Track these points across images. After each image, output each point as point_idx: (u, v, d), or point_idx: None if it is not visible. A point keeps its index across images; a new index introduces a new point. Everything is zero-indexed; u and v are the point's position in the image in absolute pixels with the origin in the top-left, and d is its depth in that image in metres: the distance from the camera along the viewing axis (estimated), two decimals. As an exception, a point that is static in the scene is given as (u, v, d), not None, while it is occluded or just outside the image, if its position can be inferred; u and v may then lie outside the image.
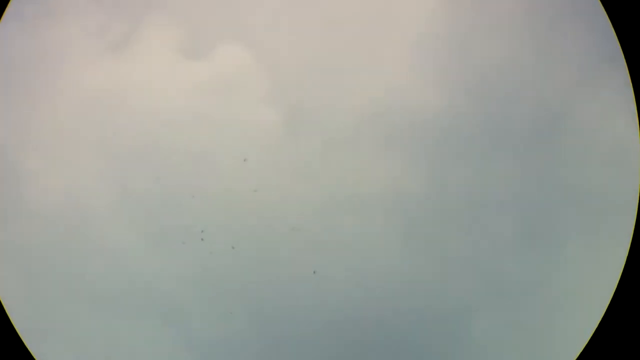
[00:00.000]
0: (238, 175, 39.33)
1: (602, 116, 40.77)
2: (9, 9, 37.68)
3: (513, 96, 40.60)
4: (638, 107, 25.65)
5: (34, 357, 29.15)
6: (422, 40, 40.78)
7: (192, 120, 39.80)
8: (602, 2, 24.85)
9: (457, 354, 37.82)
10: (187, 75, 40.25)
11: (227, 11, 40.48)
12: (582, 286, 37.50)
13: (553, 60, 40.57)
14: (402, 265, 39.14)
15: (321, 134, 40.27)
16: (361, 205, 39.68)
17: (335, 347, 37.96)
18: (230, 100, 40.25)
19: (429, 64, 40.60)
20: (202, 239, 37.09)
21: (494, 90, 40.68)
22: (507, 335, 37.53)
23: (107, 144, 39.51)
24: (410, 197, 39.76)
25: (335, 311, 38.16)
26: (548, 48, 40.86)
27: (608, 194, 38.95)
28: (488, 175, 40.22)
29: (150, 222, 38.21)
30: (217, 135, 39.69)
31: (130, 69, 40.00)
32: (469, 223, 39.65)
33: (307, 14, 40.63)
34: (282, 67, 40.37)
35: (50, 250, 37.94)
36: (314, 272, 37.80)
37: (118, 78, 40.16)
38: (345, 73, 40.56)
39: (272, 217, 38.62)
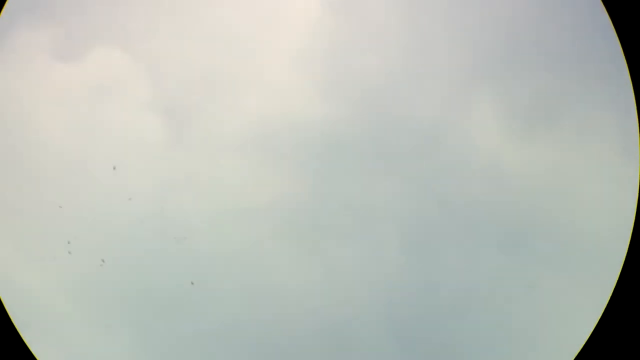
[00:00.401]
0: (114, 184, 37.57)
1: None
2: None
3: (401, 106, 40.60)
4: (638, 107, 25.83)
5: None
6: (307, 51, 40.36)
7: (65, 126, 37.87)
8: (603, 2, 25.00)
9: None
10: (61, 79, 38.32)
11: (105, 13, 38.91)
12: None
13: (442, 68, 40.83)
14: (290, 278, 38.28)
15: (205, 143, 39.05)
16: (246, 216, 38.63)
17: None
18: (108, 106, 38.53)
19: (314, 74, 40.19)
20: (69, 252, 35.22)
21: (381, 101, 40.57)
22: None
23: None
24: (298, 209, 39.04)
25: (221, 325, 36.83)
26: (429, 56, 41.14)
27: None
28: (375, 188, 39.98)
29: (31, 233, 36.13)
30: (92, 143, 37.86)
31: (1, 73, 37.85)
32: (357, 235, 39.18)
33: (190, 21, 39.57)
34: (163, 73, 39.02)
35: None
36: (192, 283, 36.46)
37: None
38: (230, 82, 39.67)
39: (150, 227, 37.06)
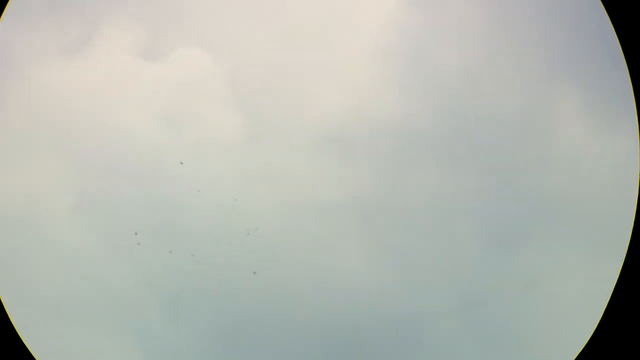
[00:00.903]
0: (197, 178, 38.73)
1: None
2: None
3: (474, 103, 40.56)
4: (638, 107, 25.74)
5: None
6: (385, 46, 40.70)
7: (151, 123, 39.25)
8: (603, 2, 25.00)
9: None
10: (147, 78, 39.75)
11: (189, 14, 40.16)
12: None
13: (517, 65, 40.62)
14: (362, 269, 38.68)
15: (282, 138, 39.89)
16: (322, 209, 39.25)
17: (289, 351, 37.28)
18: (191, 103, 39.77)
19: (392, 69, 40.48)
20: (138, 244, 36.37)
21: (454, 97, 40.63)
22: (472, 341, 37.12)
23: (65, 148, 38.82)
24: (374, 204, 39.43)
25: (290, 316, 37.49)
26: (514, 52, 40.90)
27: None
28: (454, 182, 40.05)
29: (106, 224, 37.47)
30: (176, 138, 39.14)
31: (89, 72, 39.45)
32: (429, 229, 39.35)
33: (269, 20, 40.43)
34: (243, 72, 40.01)
35: (7, 253, 37.11)
36: (254, 272, 37.12)
37: (76, 81, 39.56)
38: (307, 79, 40.31)
39: (229, 219, 38.02)
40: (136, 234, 35.93)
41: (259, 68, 40.14)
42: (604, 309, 24.88)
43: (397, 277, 38.68)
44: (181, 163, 36.75)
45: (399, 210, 39.82)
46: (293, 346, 37.03)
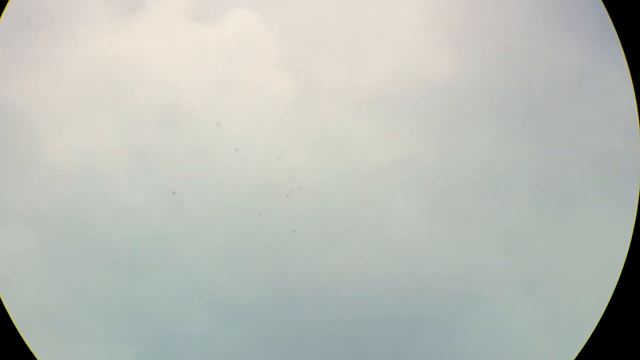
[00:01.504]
0: (251, 141, 38.64)
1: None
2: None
3: (530, 62, 39.74)
4: (638, 107, 25.09)
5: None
6: (436, 6, 40.01)
7: (204, 85, 39.17)
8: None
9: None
10: (197, 39, 39.63)
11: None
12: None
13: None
14: (419, 234, 38.30)
15: (333, 99, 39.50)
16: (374, 173, 38.87)
17: (347, 324, 37.07)
18: (242, 66, 39.58)
19: (442, 27, 39.82)
20: (173, 192, 36.48)
21: (509, 55, 39.83)
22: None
23: (119, 108, 39.00)
24: (425, 165, 38.93)
25: (345, 283, 37.29)
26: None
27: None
28: (504, 145, 39.35)
29: (166, 184, 37.72)
30: (229, 101, 39.04)
31: (141, 33, 39.46)
32: (484, 193, 38.78)
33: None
34: (294, 32, 39.66)
35: (66, 211, 37.57)
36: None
37: (129, 42, 39.62)
38: (359, 39, 39.85)
39: (282, 183, 37.92)
40: (174, 192, 36.20)
41: (310, 28, 39.76)
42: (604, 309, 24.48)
43: (452, 243, 38.27)
44: (236, 150, 36.94)
45: (453, 173, 39.27)
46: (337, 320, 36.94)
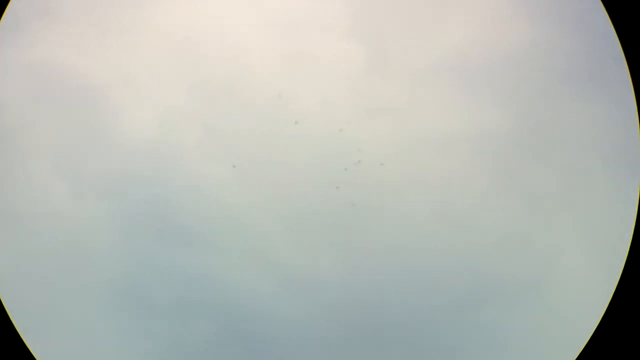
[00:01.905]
0: (320, 112, 38.56)
1: None
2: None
3: (604, 27, 38.59)
4: (638, 107, 24.36)
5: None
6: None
7: (270, 58, 39.17)
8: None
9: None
10: (263, 10, 39.59)
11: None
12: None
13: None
14: (488, 205, 37.83)
15: (405, 70, 39.10)
16: (446, 142, 38.46)
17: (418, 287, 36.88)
18: (310, 36, 39.41)
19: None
20: (233, 166, 36.63)
21: (583, 25, 38.82)
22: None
23: (189, 82, 39.29)
24: (495, 135, 38.35)
25: (417, 250, 37.09)
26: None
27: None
28: (574, 114, 38.51)
29: (237, 156, 38.01)
30: (298, 73, 38.95)
31: (207, 8, 39.62)
32: (555, 161, 38.05)
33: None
34: (364, 2, 39.34)
35: (139, 182, 38.16)
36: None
37: (201, 12, 39.82)
38: (428, 8, 39.30)
39: (355, 152, 37.80)
40: (234, 166, 36.48)
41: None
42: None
43: (522, 206, 37.71)
44: (279, 96, 36.88)
45: (528, 146, 38.62)
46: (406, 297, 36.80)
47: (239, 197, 37.64)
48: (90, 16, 40.06)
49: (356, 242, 36.85)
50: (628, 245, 28.67)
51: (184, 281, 37.45)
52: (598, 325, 24.01)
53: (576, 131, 38.47)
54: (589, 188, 37.73)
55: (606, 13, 35.75)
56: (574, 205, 37.83)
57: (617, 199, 37.40)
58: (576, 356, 23.65)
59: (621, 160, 38.02)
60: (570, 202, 37.93)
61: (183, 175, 38.12)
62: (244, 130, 38.64)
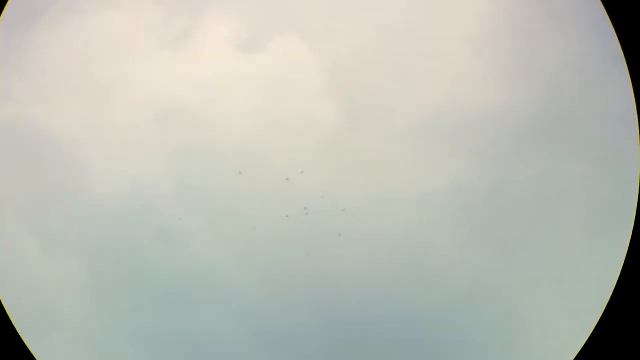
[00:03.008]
0: (296, 170, 38.63)
1: None
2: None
3: (587, 93, 39.33)
4: (638, 107, 24.90)
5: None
6: (484, 35, 39.94)
7: (250, 114, 39.44)
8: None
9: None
10: (245, 69, 39.98)
11: (282, 4, 40.29)
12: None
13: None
14: (464, 260, 37.79)
15: (381, 128, 39.46)
16: (419, 200, 38.54)
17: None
18: (288, 94, 39.78)
19: (491, 58, 39.68)
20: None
21: (559, 86, 39.51)
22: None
23: (168, 139, 39.38)
24: (473, 192, 38.53)
25: (390, 302, 36.84)
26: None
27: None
28: (553, 172, 38.84)
29: (210, 212, 37.91)
30: (276, 130, 39.20)
31: (189, 64, 39.96)
32: (533, 219, 38.19)
33: (365, 8, 40.21)
34: (339, 60, 39.83)
35: (114, 240, 37.80)
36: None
37: (177, 73, 40.13)
38: (405, 68, 39.85)
39: (330, 209, 37.79)
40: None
41: (355, 58, 39.90)
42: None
43: (499, 268, 37.69)
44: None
45: (501, 202, 38.79)
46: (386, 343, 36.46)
47: (212, 251, 37.42)
48: (62, 73, 40.24)
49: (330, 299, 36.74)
50: (607, 298, 28.61)
51: (154, 338, 36.88)
52: (595, 328, 24.02)
53: (548, 188, 38.78)
54: (562, 240, 37.88)
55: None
56: (549, 260, 37.88)
57: (593, 258, 37.52)
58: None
59: (595, 219, 38.28)
60: (545, 257, 37.99)
61: (153, 230, 37.88)
62: (217, 186, 38.60)
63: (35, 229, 38.15)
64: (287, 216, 37.53)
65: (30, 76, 39.91)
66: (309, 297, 37.46)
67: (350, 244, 37.47)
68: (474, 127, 39.26)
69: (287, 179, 37.27)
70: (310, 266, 37.77)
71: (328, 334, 36.36)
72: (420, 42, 40.04)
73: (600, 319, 23.89)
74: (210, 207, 38.15)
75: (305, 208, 36.90)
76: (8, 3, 25.04)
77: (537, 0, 40.11)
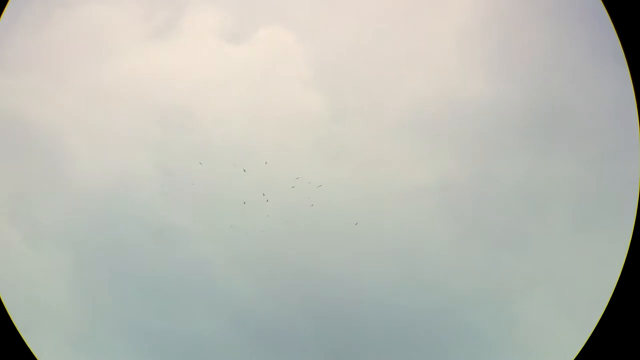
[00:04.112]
0: (279, 161, 38.50)
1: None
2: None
3: (563, 84, 39.36)
4: (638, 106, 25.07)
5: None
6: (470, 29, 39.89)
7: (234, 105, 39.26)
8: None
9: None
10: (230, 60, 39.76)
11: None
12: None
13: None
14: (449, 252, 37.82)
15: (365, 120, 39.35)
16: (406, 192, 38.52)
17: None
18: (274, 85, 39.60)
19: (478, 53, 39.63)
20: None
21: (543, 79, 39.51)
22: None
23: (151, 128, 39.19)
24: (457, 186, 38.54)
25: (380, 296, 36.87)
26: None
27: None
28: (538, 167, 38.90)
29: (193, 201, 37.78)
30: (260, 120, 39.03)
31: (174, 55, 39.71)
32: (517, 213, 38.25)
33: (352, 3, 40.09)
34: (326, 52, 39.69)
35: (96, 230, 37.63)
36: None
37: (162, 64, 39.86)
38: (392, 61, 39.74)
39: (317, 200, 37.69)
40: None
41: (343, 50, 39.76)
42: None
43: (485, 261, 37.75)
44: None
45: (487, 195, 38.83)
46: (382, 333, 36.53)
47: (199, 246, 37.33)
48: (50, 65, 39.94)
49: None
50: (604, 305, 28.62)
51: (141, 333, 36.82)
52: (595, 329, 24.15)
53: (532, 181, 38.88)
54: (550, 237, 38.00)
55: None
56: (536, 257, 38.01)
57: (582, 252, 37.67)
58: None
59: (584, 214, 38.42)
60: (531, 253, 38.13)
61: (139, 224, 37.75)
62: (204, 179, 38.47)
63: (21, 222, 37.94)
64: (268, 216, 37.47)
65: (15, 70, 39.60)
66: (296, 290, 37.45)
67: (338, 239, 37.48)
68: (462, 122, 39.27)
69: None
70: (297, 260, 37.78)
71: (313, 326, 36.44)
72: (408, 36, 39.97)
73: (600, 319, 24.01)
74: (196, 201, 38.01)
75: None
76: (8, 3, 24.84)
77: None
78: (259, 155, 38.50)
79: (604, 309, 24.40)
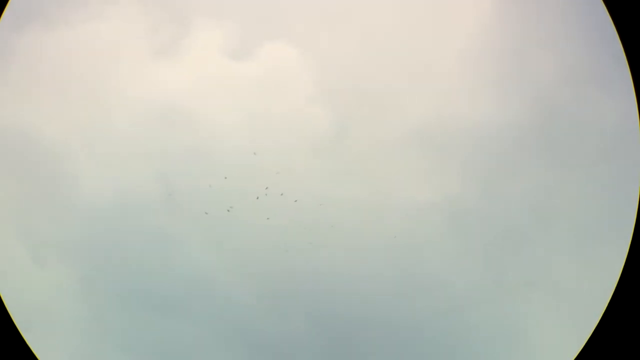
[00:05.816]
0: (285, 173, 38.55)
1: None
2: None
3: (577, 106, 39.48)
4: (638, 106, 25.19)
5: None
6: (477, 51, 40.10)
7: (239, 121, 39.39)
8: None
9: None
10: (235, 75, 39.96)
11: (278, 11, 40.29)
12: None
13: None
14: (453, 273, 37.79)
15: (369, 137, 39.50)
16: (409, 210, 38.56)
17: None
18: (278, 100, 39.77)
19: (483, 75, 39.81)
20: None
21: (549, 103, 39.67)
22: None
23: (157, 145, 39.27)
24: (463, 207, 38.60)
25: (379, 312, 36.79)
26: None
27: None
28: (544, 188, 38.94)
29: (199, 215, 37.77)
30: (264, 135, 39.15)
31: (179, 72, 39.91)
32: (523, 236, 38.24)
33: (354, 19, 40.32)
34: (329, 68, 39.88)
35: (102, 245, 37.63)
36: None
37: (167, 81, 40.06)
38: (397, 81, 39.93)
39: (318, 218, 37.71)
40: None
41: (347, 66, 39.94)
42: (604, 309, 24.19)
43: (487, 280, 37.68)
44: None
45: (490, 213, 38.84)
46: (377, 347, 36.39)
47: (204, 257, 37.33)
48: (55, 82, 40.14)
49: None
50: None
51: (145, 345, 36.72)
52: (595, 329, 24.10)
53: (538, 199, 38.93)
54: (551, 257, 37.99)
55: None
56: (541, 269, 37.97)
57: (587, 269, 37.63)
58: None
59: (588, 229, 38.40)
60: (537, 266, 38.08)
61: (144, 239, 37.76)
62: (210, 190, 38.51)
63: (25, 235, 37.94)
64: (268, 219, 37.51)
65: (20, 84, 39.77)
66: (299, 300, 37.39)
67: (338, 250, 37.46)
68: (465, 140, 39.38)
69: (281, 194, 37.31)
70: (298, 277, 37.74)
71: (315, 335, 36.39)
72: (414, 52, 40.15)
73: (599, 322, 24.00)
74: (199, 210, 38.02)
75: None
76: (8, 4, 24.98)
77: (527, 16, 40.29)
78: (264, 171, 38.55)
79: (604, 309, 24.40)
